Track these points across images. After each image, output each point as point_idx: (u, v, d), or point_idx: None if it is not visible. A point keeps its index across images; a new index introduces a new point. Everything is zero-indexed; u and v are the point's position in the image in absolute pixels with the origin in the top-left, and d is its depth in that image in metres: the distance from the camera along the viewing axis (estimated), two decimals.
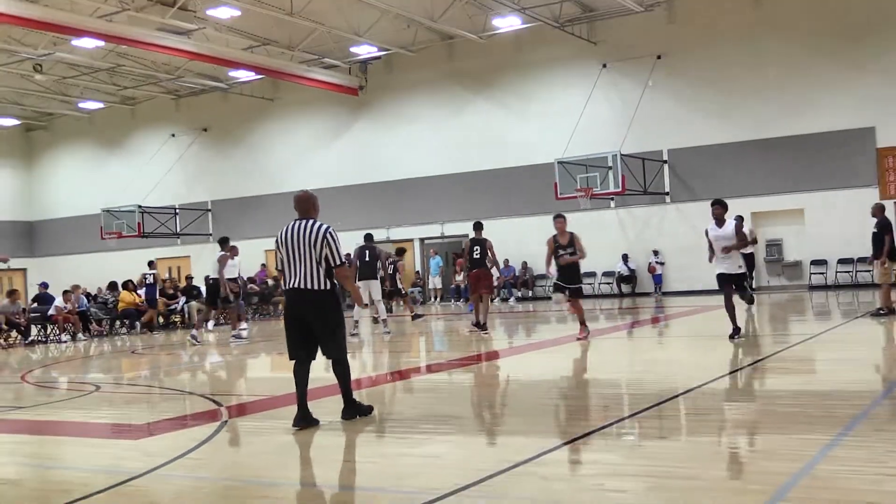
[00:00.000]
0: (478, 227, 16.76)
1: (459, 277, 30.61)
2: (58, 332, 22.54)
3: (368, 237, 18.17)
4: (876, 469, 5.33)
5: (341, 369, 7.76)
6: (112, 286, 26.88)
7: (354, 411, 7.80)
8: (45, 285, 26.56)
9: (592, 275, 28.86)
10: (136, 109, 37.87)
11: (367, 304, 17.46)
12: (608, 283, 28.95)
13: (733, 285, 12.82)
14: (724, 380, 9.61)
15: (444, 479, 5.54)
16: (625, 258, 28.44)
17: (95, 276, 31.13)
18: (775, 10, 26.37)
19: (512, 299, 28.81)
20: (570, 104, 28.78)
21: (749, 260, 18.67)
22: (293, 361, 7.76)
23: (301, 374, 7.67)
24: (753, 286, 18.01)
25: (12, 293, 23.52)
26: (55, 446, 8.07)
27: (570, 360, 12.80)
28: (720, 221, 12.63)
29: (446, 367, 12.66)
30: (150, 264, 25.66)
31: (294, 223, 7.78)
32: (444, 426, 7.65)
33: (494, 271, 16.91)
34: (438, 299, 30.80)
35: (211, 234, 35.28)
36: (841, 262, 25.20)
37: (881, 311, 15.63)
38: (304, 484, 6.03)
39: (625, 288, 28.53)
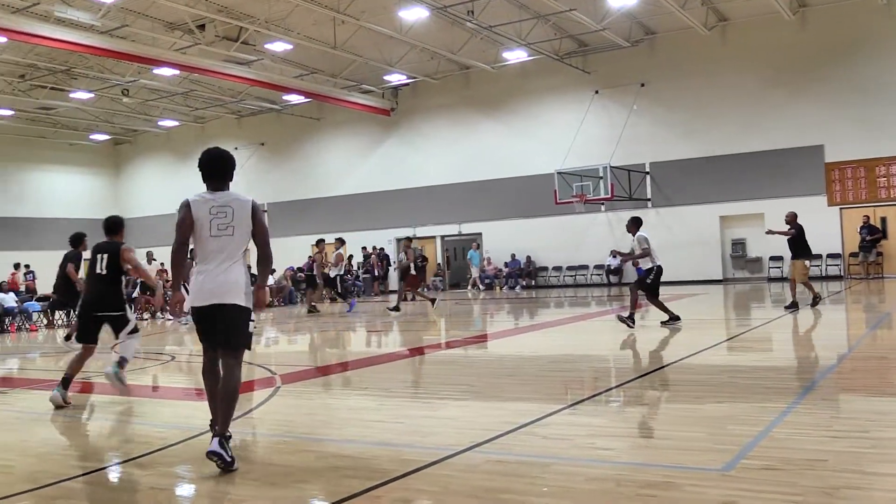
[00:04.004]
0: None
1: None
2: (140, 311, 22.51)
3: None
4: (822, 432, 5.31)
5: None
6: None
7: None
8: None
9: (585, 267, 28.86)
10: (205, 127, 38.03)
11: None
12: (599, 275, 28.84)
13: None
14: (695, 356, 9.56)
15: (460, 437, 5.55)
16: (613, 254, 28.28)
17: None
18: (737, 47, 26.21)
19: (518, 287, 28.75)
20: (567, 124, 28.67)
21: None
22: None
23: None
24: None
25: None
26: (139, 406, 8.13)
27: (567, 338, 12.78)
28: None
29: (462, 343, 12.65)
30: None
31: None
32: (460, 393, 7.66)
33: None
34: (481, 286, 29.58)
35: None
36: None
37: (817, 299, 15.25)
38: (344, 440, 6.04)
39: (612, 279, 28.43)
